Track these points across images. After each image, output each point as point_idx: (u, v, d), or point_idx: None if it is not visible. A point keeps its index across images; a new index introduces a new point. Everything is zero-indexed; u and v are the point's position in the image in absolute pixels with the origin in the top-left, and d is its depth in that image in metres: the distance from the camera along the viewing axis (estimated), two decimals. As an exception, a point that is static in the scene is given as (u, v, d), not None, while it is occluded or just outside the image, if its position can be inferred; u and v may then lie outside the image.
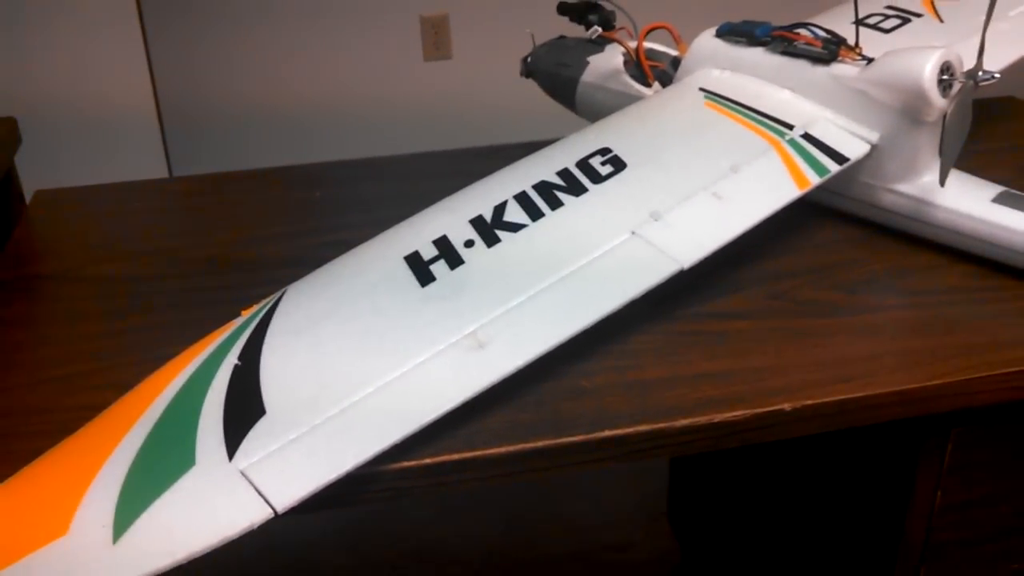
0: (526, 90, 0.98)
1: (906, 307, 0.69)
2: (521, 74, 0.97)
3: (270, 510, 0.49)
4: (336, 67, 2.39)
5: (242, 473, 0.50)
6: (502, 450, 0.56)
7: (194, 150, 2.23)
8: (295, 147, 2.26)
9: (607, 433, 0.57)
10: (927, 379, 0.61)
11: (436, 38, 2.43)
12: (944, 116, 0.69)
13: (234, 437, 0.52)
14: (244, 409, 0.54)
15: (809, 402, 0.59)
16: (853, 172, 0.74)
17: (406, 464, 0.54)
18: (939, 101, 0.69)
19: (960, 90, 0.69)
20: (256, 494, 0.49)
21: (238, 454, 0.51)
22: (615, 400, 0.59)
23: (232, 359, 0.58)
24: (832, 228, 0.78)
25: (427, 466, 0.55)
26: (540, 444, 0.56)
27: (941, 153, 0.70)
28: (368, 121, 2.39)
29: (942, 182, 0.70)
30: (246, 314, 0.62)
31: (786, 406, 0.59)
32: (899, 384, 0.61)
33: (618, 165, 0.70)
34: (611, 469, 0.58)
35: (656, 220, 0.65)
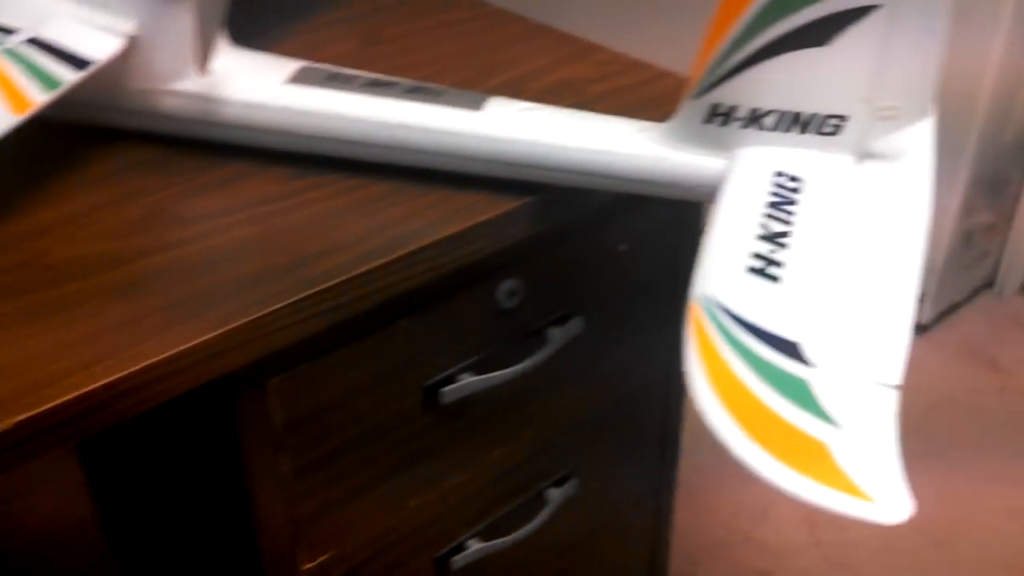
0: None
1: (197, 238, 0.53)
2: None
3: None
4: None
5: None
6: None
7: None
8: None
9: None
10: (205, 332, 0.46)
11: None
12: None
13: None
14: None
15: (32, 413, 0.42)
16: (121, 79, 0.57)
17: None
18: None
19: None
20: None
21: None
22: None
23: None
24: (119, 155, 0.60)
25: None
26: None
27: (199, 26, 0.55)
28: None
29: (202, 66, 0.55)
30: None
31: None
32: (162, 350, 0.45)
33: None
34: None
35: None
